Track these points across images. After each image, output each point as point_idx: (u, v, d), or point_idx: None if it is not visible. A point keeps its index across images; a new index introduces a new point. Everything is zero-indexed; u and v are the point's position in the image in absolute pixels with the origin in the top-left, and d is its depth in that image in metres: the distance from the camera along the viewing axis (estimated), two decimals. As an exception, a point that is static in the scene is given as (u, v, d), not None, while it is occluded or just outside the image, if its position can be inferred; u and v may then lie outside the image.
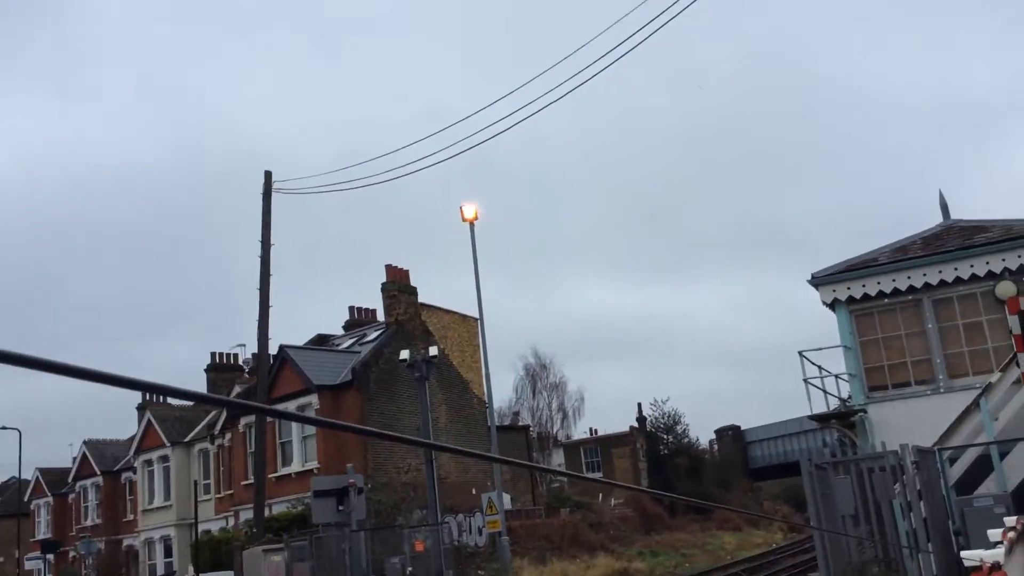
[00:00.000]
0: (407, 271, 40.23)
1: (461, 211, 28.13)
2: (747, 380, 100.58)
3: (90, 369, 1.66)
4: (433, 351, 27.96)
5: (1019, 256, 17.25)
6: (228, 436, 41.42)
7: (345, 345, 41.09)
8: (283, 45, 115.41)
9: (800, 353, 18.33)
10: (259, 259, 29.67)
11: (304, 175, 59.44)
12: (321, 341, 43.67)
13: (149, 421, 47.33)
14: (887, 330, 18.42)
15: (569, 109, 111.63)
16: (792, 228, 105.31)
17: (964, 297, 17.85)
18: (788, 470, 45.06)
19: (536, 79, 21.02)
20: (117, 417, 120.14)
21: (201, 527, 37.95)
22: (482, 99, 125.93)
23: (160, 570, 44.91)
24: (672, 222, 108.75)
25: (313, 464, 34.81)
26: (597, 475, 53.90)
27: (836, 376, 18.99)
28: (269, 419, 32.86)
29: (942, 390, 17.53)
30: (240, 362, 48.87)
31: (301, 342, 41.47)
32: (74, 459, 55.63)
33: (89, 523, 52.41)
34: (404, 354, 27.66)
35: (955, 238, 18.51)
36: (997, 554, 7.87)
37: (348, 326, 44.56)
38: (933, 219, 20.37)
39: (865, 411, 17.98)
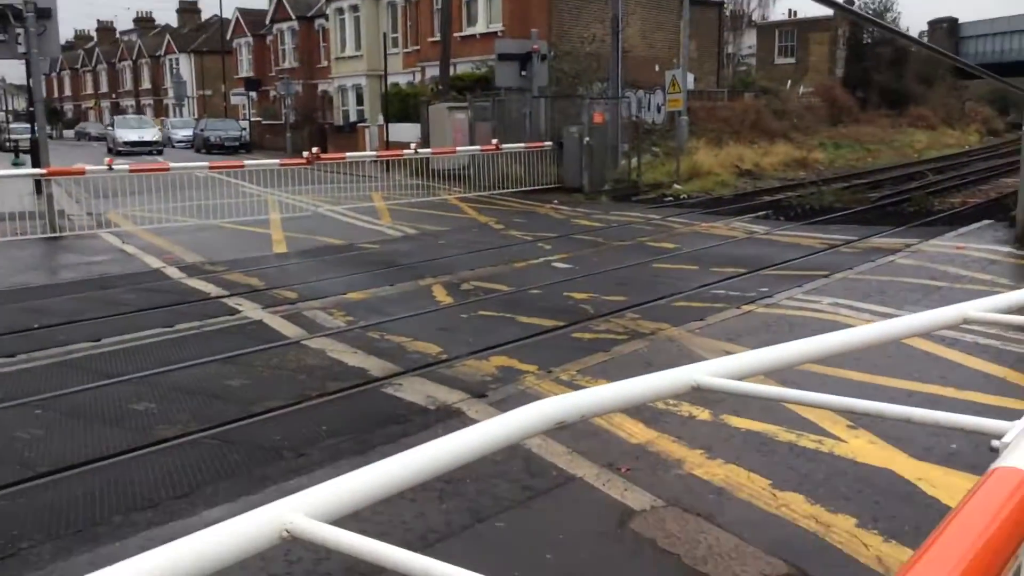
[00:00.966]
0: None
1: None
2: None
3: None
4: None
5: None
6: (415, -10, 41.05)
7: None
8: None
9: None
10: None
11: None
12: None
13: (338, -31, 47.24)
14: None
15: None
16: None
17: None
18: (1004, 70, 41.14)
19: None
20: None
21: (390, 79, 39.26)
22: None
23: (352, 116, 47.58)
24: None
25: (497, 26, 34.35)
26: (789, 61, 51.31)
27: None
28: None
29: None
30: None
31: None
32: (270, 1, 57.21)
33: (287, 65, 54.99)
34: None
35: None
36: None
37: None
38: None
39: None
